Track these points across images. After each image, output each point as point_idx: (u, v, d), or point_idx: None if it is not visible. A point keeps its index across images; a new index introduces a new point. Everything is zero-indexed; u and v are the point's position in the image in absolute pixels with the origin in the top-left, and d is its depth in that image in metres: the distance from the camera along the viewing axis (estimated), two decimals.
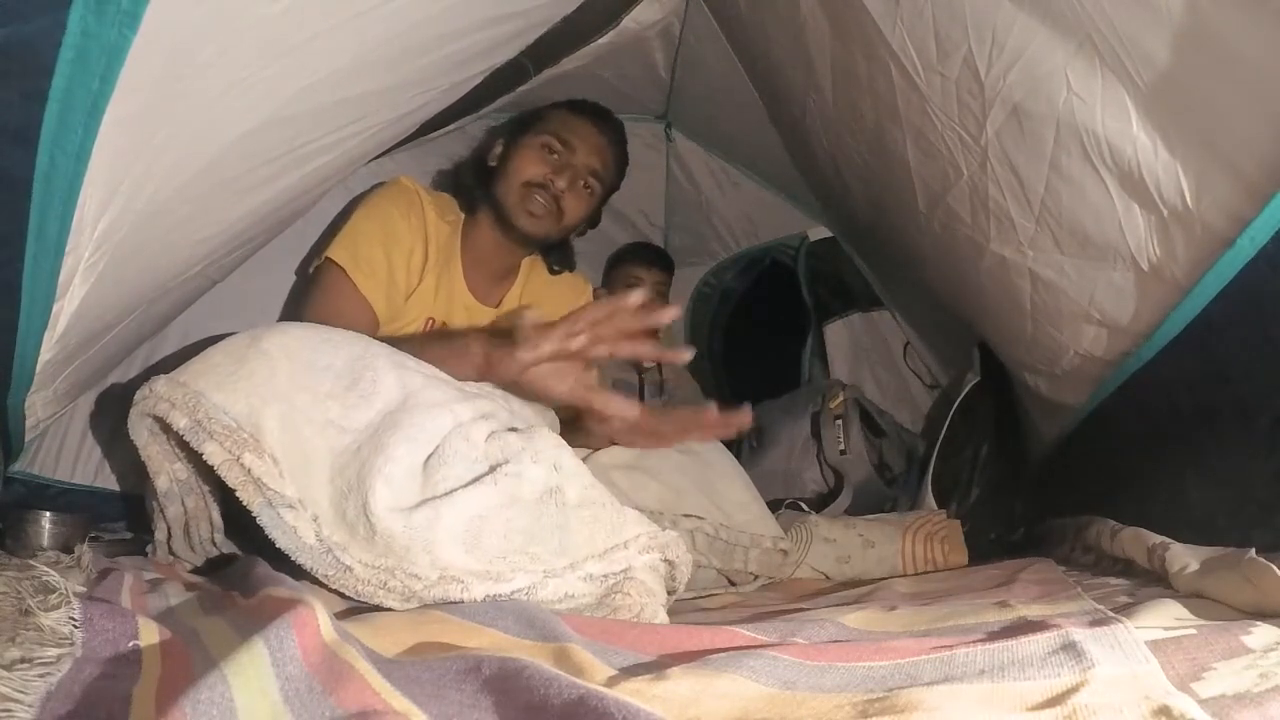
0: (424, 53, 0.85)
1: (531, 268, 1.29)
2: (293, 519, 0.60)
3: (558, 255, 1.30)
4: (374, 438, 0.64)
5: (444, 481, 0.63)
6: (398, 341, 0.83)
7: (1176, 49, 0.61)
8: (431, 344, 0.89)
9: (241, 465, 0.61)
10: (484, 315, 1.21)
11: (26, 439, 0.89)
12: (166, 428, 0.67)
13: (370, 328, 1.07)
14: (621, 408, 0.89)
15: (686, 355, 0.93)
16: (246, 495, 0.61)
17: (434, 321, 1.15)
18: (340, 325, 0.96)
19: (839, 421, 1.57)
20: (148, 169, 0.60)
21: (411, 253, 1.13)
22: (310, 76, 0.69)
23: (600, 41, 1.35)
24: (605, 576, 0.65)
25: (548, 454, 0.68)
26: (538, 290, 1.28)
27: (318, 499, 0.62)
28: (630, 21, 1.37)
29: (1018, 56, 0.76)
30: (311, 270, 1.11)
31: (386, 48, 0.76)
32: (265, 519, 0.60)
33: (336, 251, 1.07)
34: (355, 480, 0.62)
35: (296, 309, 1.13)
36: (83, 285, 0.64)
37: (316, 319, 1.00)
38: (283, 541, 0.60)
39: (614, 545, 0.66)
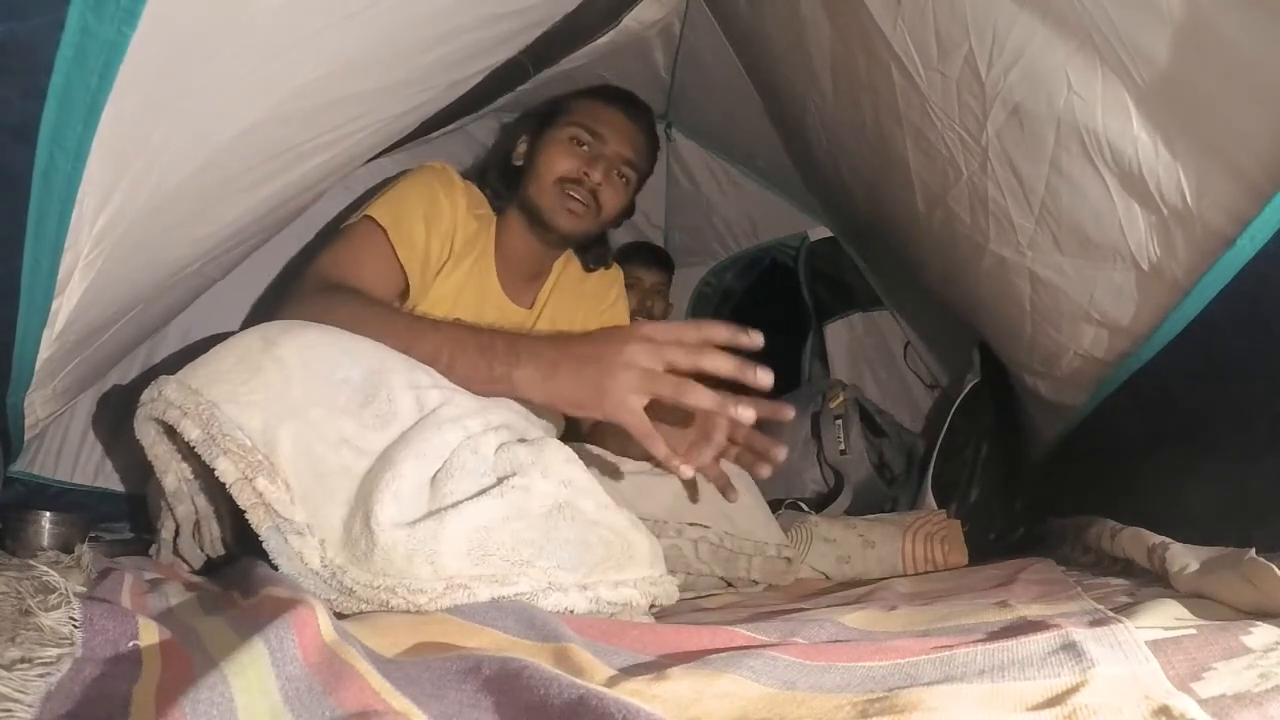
0: (423, 51, 0.85)
1: (565, 264, 1.24)
2: (299, 545, 0.59)
3: (595, 250, 1.25)
4: (385, 456, 0.63)
5: (450, 495, 0.62)
6: (417, 324, 0.79)
7: (1176, 48, 0.61)
8: (450, 331, 0.80)
9: (254, 488, 0.60)
10: (517, 316, 1.17)
11: (26, 438, 0.89)
12: (171, 430, 0.66)
13: (392, 292, 1.02)
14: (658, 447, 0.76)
15: (788, 413, 0.83)
16: (256, 518, 0.60)
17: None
18: (359, 280, 0.92)
19: (839, 421, 1.57)
20: (146, 166, 0.60)
21: (445, 236, 1.08)
22: (309, 74, 0.69)
23: (600, 41, 1.34)
24: (611, 603, 0.64)
25: (558, 469, 0.67)
26: (570, 286, 1.24)
27: (327, 521, 0.61)
28: (631, 21, 1.37)
29: (1018, 55, 0.76)
30: (342, 228, 1.04)
31: (385, 46, 0.76)
32: (272, 543, 0.59)
33: (378, 211, 1.01)
34: (364, 497, 0.61)
35: (307, 263, 1.02)
36: (81, 282, 0.64)
37: (337, 270, 0.94)
38: (286, 567, 0.59)
39: (620, 581, 0.65)
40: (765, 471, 0.87)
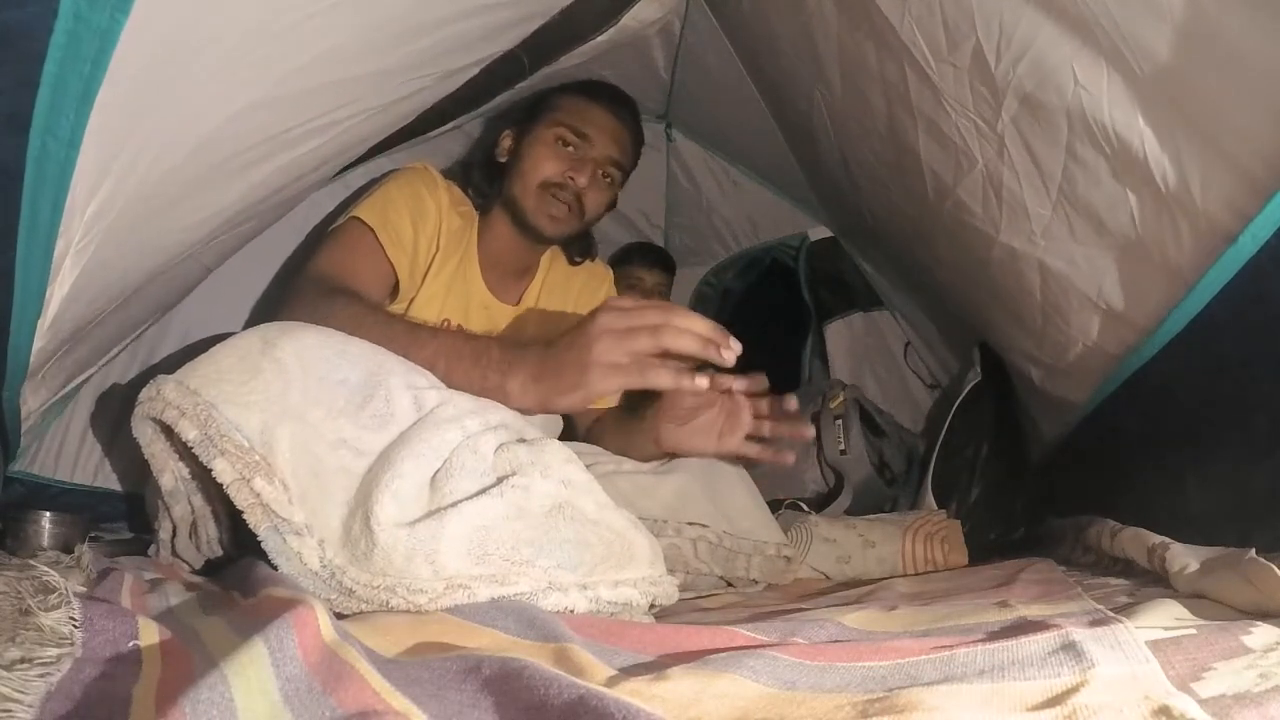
0: (416, 37, 0.85)
1: (552, 260, 1.24)
2: (298, 545, 0.59)
3: (578, 244, 1.25)
4: (384, 456, 0.64)
5: (450, 495, 0.62)
6: (415, 332, 0.79)
7: (1177, 44, 0.61)
8: (447, 339, 0.81)
9: (251, 489, 0.60)
10: (503, 314, 1.17)
11: (22, 432, 0.89)
12: (169, 430, 0.66)
13: (385, 290, 1.03)
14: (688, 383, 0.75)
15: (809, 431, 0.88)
16: (254, 518, 0.60)
17: (449, 323, 1.11)
18: (355, 281, 0.94)
19: (839, 421, 1.57)
20: (138, 152, 0.60)
21: (431, 234, 1.09)
22: (301, 58, 0.69)
23: (599, 39, 1.34)
24: (611, 603, 0.64)
25: (557, 469, 0.67)
26: (558, 284, 1.24)
27: (325, 522, 0.61)
28: (630, 20, 1.36)
29: (1025, 49, 0.76)
30: (330, 230, 1.05)
31: (377, 32, 0.76)
32: (270, 544, 0.59)
33: (366, 212, 1.01)
34: (363, 497, 0.61)
35: (299, 266, 1.03)
36: (73, 269, 0.63)
37: (331, 271, 0.95)
38: (286, 567, 0.59)
39: (621, 580, 0.65)
40: (789, 458, 0.89)
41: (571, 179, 1.09)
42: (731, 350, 0.74)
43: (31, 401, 0.82)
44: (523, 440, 0.70)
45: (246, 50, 0.62)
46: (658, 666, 0.45)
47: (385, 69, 0.86)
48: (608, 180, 1.15)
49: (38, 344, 0.68)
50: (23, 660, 0.39)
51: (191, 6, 0.53)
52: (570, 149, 1.11)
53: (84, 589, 0.59)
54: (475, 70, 1.04)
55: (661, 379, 0.74)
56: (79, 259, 0.63)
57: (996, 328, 1.22)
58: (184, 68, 0.57)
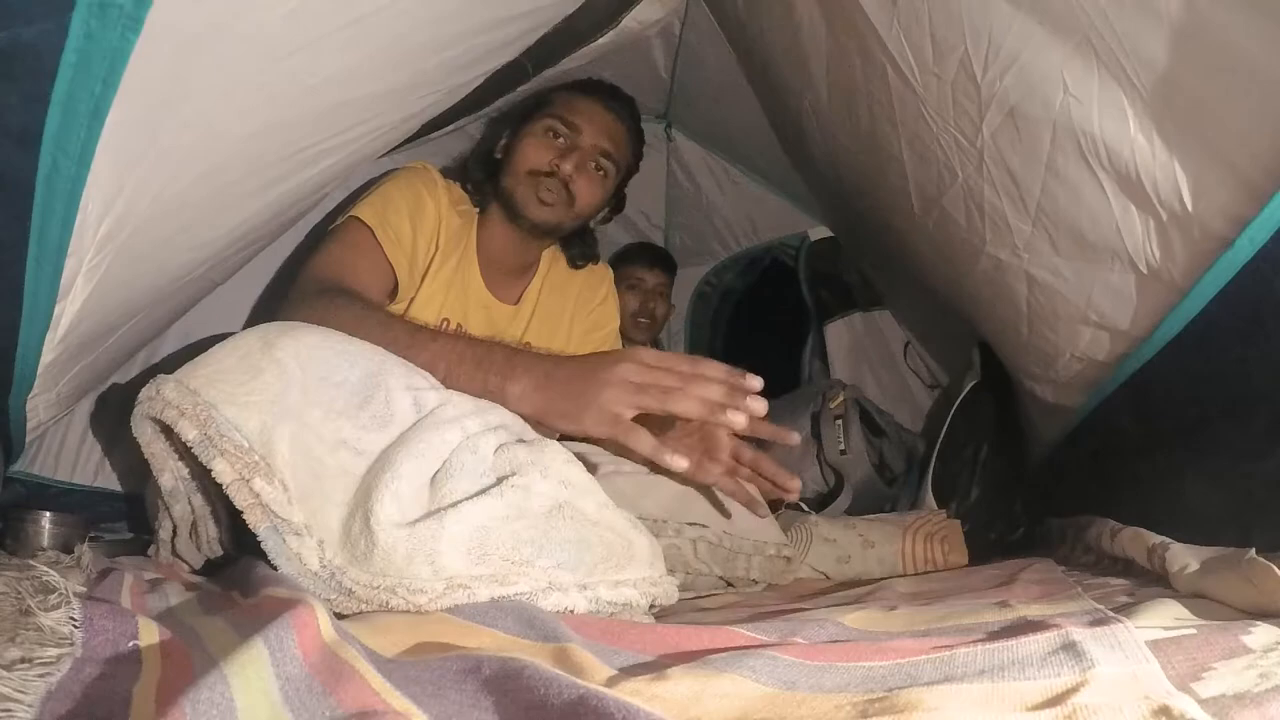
0: (428, 55, 0.85)
1: (552, 261, 1.24)
2: (298, 545, 0.59)
3: (579, 247, 1.25)
4: (383, 456, 0.64)
5: (450, 495, 0.62)
6: (415, 334, 0.79)
7: (1174, 48, 0.61)
8: (449, 342, 0.80)
9: (251, 489, 0.60)
10: (503, 313, 1.17)
11: (27, 440, 0.89)
12: (169, 429, 0.66)
13: (385, 290, 1.03)
14: (667, 458, 0.75)
15: (794, 437, 0.86)
16: (253, 518, 0.60)
17: (448, 323, 1.11)
18: (355, 281, 0.94)
19: (839, 421, 1.57)
20: (150, 172, 0.60)
21: (430, 233, 1.09)
22: (314, 78, 0.69)
23: (600, 41, 1.35)
24: (611, 603, 0.64)
25: (556, 469, 0.67)
26: (557, 284, 1.24)
27: (325, 522, 0.61)
28: (631, 21, 1.37)
29: (1014, 58, 0.76)
30: (330, 230, 1.06)
31: (390, 51, 0.76)
32: (270, 544, 0.59)
33: (364, 212, 1.02)
34: (363, 497, 0.61)
35: (299, 266, 1.02)
36: (85, 287, 0.64)
37: (331, 271, 0.95)
38: (286, 567, 0.59)
39: (620, 580, 0.65)
40: (790, 497, 0.87)
41: (558, 166, 1.09)
42: (749, 408, 0.74)
43: (43, 414, 0.82)
44: (522, 441, 0.70)
45: (261, 70, 0.62)
46: (658, 666, 0.45)
47: (398, 87, 0.86)
48: (600, 172, 1.14)
49: (48, 357, 0.68)
50: (23, 660, 0.39)
51: (203, 27, 0.53)
52: (560, 140, 1.12)
53: (84, 589, 0.59)
54: (482, 79, 1.05)
55: (642, 444, 0.75)
56: (90, 278, 0.63)
57: (988, 335, 1.23)
58: (197, 87, 0.58)
